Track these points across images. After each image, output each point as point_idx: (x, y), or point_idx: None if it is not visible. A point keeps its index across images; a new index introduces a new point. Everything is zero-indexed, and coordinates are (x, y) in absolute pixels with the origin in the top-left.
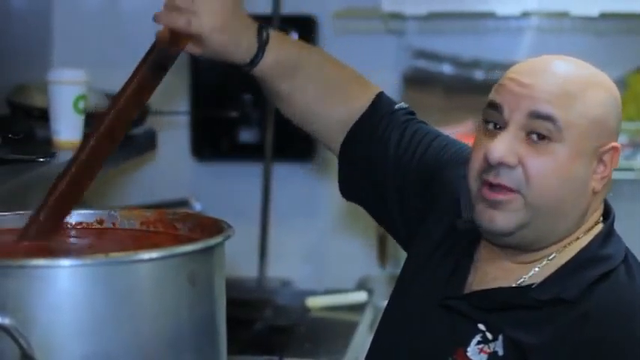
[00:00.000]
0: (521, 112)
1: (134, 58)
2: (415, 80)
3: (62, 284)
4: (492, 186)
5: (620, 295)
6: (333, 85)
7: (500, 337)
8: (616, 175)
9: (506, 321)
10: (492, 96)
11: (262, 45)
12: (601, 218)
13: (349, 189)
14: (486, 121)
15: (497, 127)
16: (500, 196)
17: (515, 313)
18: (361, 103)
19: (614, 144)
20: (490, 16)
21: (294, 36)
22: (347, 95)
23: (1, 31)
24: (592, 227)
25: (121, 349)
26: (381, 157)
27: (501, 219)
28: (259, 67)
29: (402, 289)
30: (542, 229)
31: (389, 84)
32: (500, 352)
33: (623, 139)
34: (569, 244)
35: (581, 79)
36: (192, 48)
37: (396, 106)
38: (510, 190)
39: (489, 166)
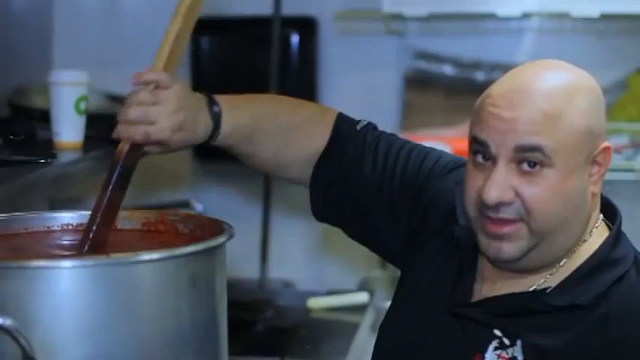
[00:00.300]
0: (508, 147)
1: (134, 59)
2: (416, 81)
3: (63, 285)
4: (493, 219)
5: (634, 295)
6: (291, 131)
7: (519, 343)
8: (617, 176)
9: (523, 326)
10: (476, 132)
11: (217, 120)
12: (601, 215)
13: (324, 212)
14: (474, 152)
15: (486, 157)
16: (505, 229)
17: (531, 318)
18: (324, 135)
19: (604, 145)
20: (491, 17)
21: (295, 38)
22: (308, 135)
23: (1, 33)
24: (595, 226)
25: (122, 350)
26: (357, 180)
27: (508, 248)
28: (219, 141)
29: (404, 300)
30: (548, 248)
31: (389, 85)
32: (520, 358)
33: (624, 139)
34: (577, 248)
35: (562, 96)
36: (153, 150)
37: (358, 126)
38: (513, 220)
39: (485, 204)
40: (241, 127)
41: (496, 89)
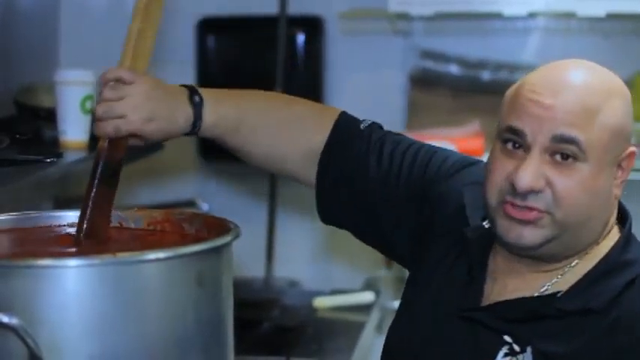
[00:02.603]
0: (545, 136)
1: None
2: (422, 81)
3: (69, 284)
4: (517, 205)
5: None
6: (283, 125)
7: (529, 350)
8: None
9: (533, 332)
10: (512, 121)
11: (198, 110)
12: (616, 221)
13: (331, 215)
14: (504, 140)
15: (517, 146)
16: (529, 216)
17: (542, 323)
18: (322, 132)
19: (631, 149)
20: (497, 16)
21: (301, 37)
22: (304, 130)
23: (8, 32)
24: (610, 231)
25: (128, 349)
26: (362, 180)
27: (529, 235)
28: (202, 131)
29: (413, 301)
30: (569, 241)
31: (395, 84)
32: None
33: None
34: (590, 250)
35: (600, 92)
36: (134, 142)
37: (362, 125)
38: (540, 210)
39: (514, 189)
40: (226, 118)
41: (534, 77)
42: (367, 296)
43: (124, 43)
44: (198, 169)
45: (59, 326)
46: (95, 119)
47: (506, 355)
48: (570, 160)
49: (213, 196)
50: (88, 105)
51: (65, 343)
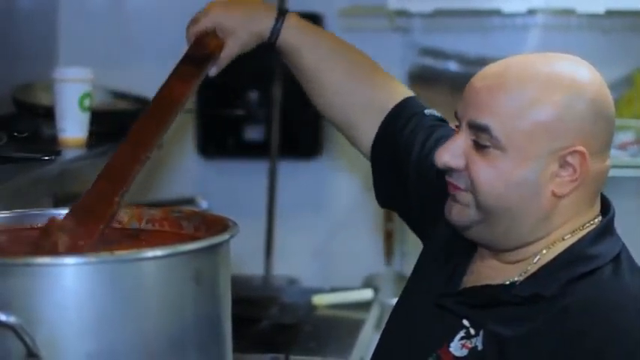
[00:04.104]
0: (465, 120)
1: (139, 57)
2: (421, 78)
3: (67, 282)
4: (449, 182)
5: (601, 291)
6: (358, 65)
7: (482, 332)
8: (622, 173)
9: (489, 317)
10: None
11: (282, 12)
12: (599, 218)
13: (384, 196)
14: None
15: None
16: (454, 191)
17: (498, 309)
18: (390, 94)
19: (577, 148)
20: (496, 13)
21: None
22: (375, 81)
23: (6, 30)
24: (582, 227)
25: (126, 347)
26: (405, 161)
27: (456, 212)
28: (282, 36)
29: (409, 289)
30: (498, 229)
31: None
32: (480, 347)
33: (629, 136)
34: (553, 244)
35: (541, 84)
36: (229, 49)
37: (426, 111)
38: (461, 188)
39: None
40: (307, 29)
41: (490, 65)
42: (366, 293)
43: None
44: (198, 166)
45: (57, 324)
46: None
47: (462, 338)
48: (489, 148)
49: (213, 194)
50: (87, 103)
51: (63, 341)
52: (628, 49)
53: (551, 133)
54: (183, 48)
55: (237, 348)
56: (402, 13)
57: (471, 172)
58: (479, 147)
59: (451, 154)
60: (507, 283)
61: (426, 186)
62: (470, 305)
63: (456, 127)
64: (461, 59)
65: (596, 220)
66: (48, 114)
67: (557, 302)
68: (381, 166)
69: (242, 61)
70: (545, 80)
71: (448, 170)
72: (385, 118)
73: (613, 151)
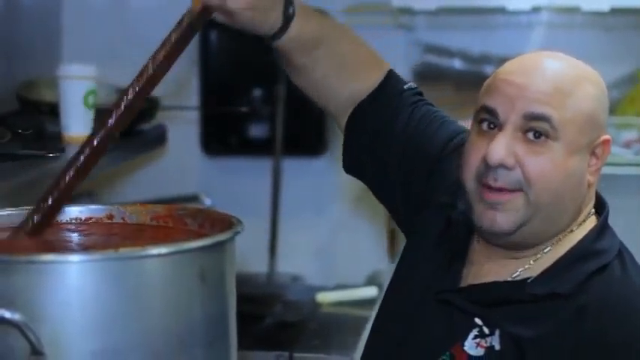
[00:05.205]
0: (517, 114)
1: (143, 53)
2: (425, 75)
3: (72, 280)
4: (492, 188)
5: (616, 289)
6: (347, 62)
7: (497, 332)
8: (625, 171)
9: (503, 315)
10: (485, 100)
11: (288, 20)
12: (593, 210)
13: (351, 162)
14: (480, 121)
15: (492, 126)
16: (503, 198)
17: (512, 307)
18: (372, 81)
19: (605, 137)
20: (500, 11)
21: None
22: (360, 73)
23: (10, 27)
24: (585, 220)
25: (131, 345)
26: (387, 137)
27: (503, 219)
28: (281, 41)
29: (400, 281)
30: (541, 224)
31: None
32: (497, 347)
33: (633, 134)
34: (563, 237)
35: (572, 76)
36: (222, 18)
37: (406, 86)
38: (511, 191)
39: (487, 167)
40: (307, 36)
41: (509, 63)
42: (370, 291)
43: None
44: (202, 164)
45: (61, 322)
46: None
47: (476, 337)
48: (543, 138)
49: (216, 191)
50: (91, 99)
51: (67, 338)
52: (632, 47)
53: (593, 125)
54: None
55: (241, 345)
56: (406, 11)
57: (526, 167)
58: (529, 142)
59: (505, 150)
60: (514, 278)
61: (413, 169)
62: (481, 303)
63: (490, 125)
64: (465, 57)
65: (592, 212)
66: (52, 111)
67: (573, 301)
68: (357, 136)
69: (245, 58)
70: (581, 74)
71: (494, 171)
72: (366, 96)
73: (617, 149)
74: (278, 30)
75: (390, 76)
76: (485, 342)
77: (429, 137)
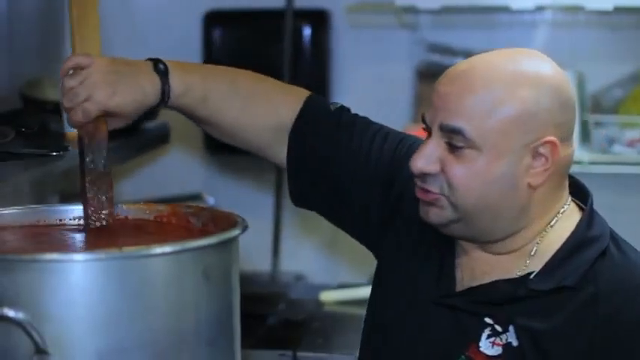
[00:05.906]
0: (436, 124)
1: (145, 52)
2: (428, 74)
3: (76, 279)
4: (419, 187)
5: (620, 272)
6: (252, 97)
7: (512, 328)
8: (629, 170)
9: (514, 311)
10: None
11: (165, 77)
12: (569, 198)
13: (301, 196)
14: (424, 129)
15: (429, 133)
16: (427, 198)
17: (520, 303)
18: (292, 109)
19: (549, 138)
20: (504, 9)
21: (308, 31)
22: (271, 105)
23: (14, 25)
24: (561, 211)
25: (135, 344)
26: (334, 161)
27: (433, 214)
28: (172, 99)
29: (386, 290)
30: (479, 225)
31: (402, 78)
32: (515, 343)
33: (636, 133)
34: (543, 232)
35: (505, 81)
36: (113, 123)
37: (332, 107)
38: (435, 193)
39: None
40: (194, 87)
41: (451, 67)
42: None
43: (70, 33)
44: (205, 162)
45: (65, 321)
46: (65, 111)
47: (489, 336)
48: (463, 149)
49: (220, 190)
50: None
51: (71, 337)
52: (636, 45)
53: (523, 128)
54: (191, 44)
55: (245, 344)
56: (410, 10)
57: (447, 174)
58: (453, 149)
59: (426, 159)
60: (518, 276)
61: (370, 188)
62: (486, 303)
63: (424, 130)
64: (469, 56)
65: (569, 202)
66: (55, 109)
67: (582, 290)
68: (301, 169)
69: (248, 56)
70: (511, 78)
71: (421, 176)
72: (292, 129)
73: (620, 148)
74: (161, 90)
75: (311, 100)
76: (501, 340)
77: (378, 154)
